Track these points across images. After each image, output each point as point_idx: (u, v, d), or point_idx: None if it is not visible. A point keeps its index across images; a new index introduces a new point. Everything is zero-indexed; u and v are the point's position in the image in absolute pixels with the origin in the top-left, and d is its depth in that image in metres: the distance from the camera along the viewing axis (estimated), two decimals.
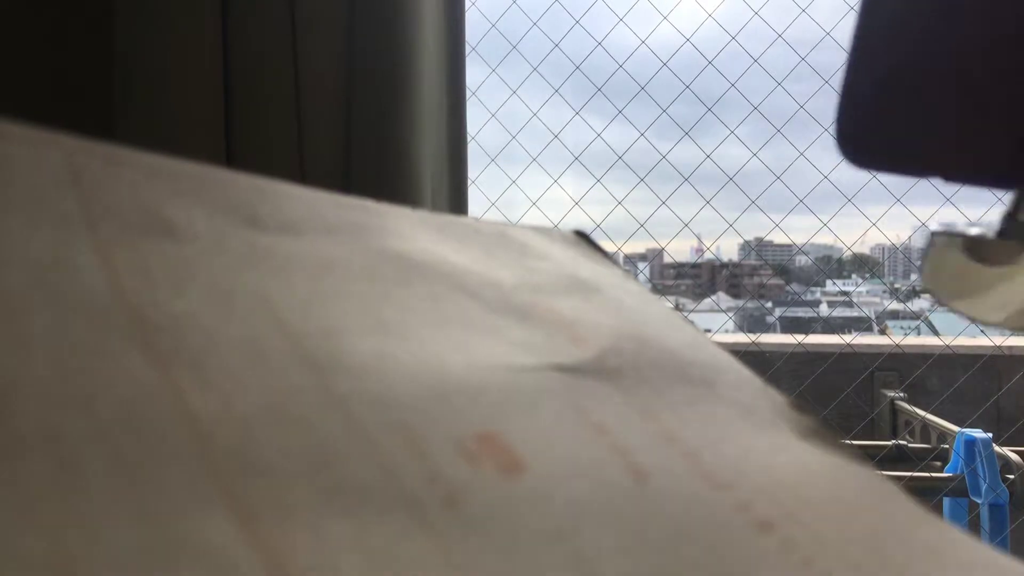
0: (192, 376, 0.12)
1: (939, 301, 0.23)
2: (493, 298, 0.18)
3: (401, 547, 0.10)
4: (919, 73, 0.23)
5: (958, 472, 1.86)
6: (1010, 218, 0.22)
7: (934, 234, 0.23)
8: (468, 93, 0.70)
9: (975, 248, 0.22)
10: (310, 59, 0.53)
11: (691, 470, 0.13)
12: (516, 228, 0.24)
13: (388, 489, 0.11)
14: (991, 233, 0.22)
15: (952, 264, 0.23)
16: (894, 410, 2.27)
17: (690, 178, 2.05)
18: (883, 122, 0.24)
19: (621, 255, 2.27)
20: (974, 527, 1.80)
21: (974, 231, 0.23)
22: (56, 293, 0.12)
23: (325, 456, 0.11)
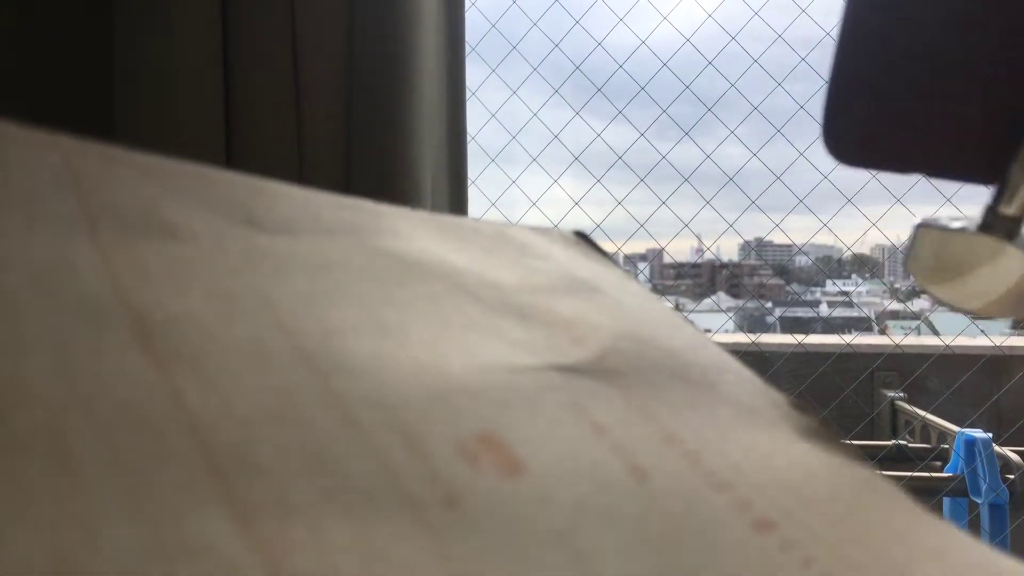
0: (192, 376, 0.12)
1: (919, 286, 0.25)
2: (493, 298, 0.18)
3: (400, 547, 0.10)
4: (903, 72, 0.24)
5: (958, 472, 1.85)
6: (991, 211, 0.23)
7: (919, 226, 0.25)
8: (468, 93, 0.70)
9: (957, 240, 0.23)
10: (310, 59, 0.53)
11: (691, 470, 0.13)
12: (516, 228, 0.24)
13: (388, 489, 0.11)
14: (973, 227, 0.23)
15: (933, 253, 0.24)
16: (894, 410, 2.27)
17: (690, 178, 2.05)
18: (868, 119, 0.25)
19: (621, 255, 2.27)
20: (974, 527, 1.79)
21: (957, 224, 0.24)
22: (56, 293, 0.12)
23: (324, 456, 0.11)
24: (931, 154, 0.25)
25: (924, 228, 0.24)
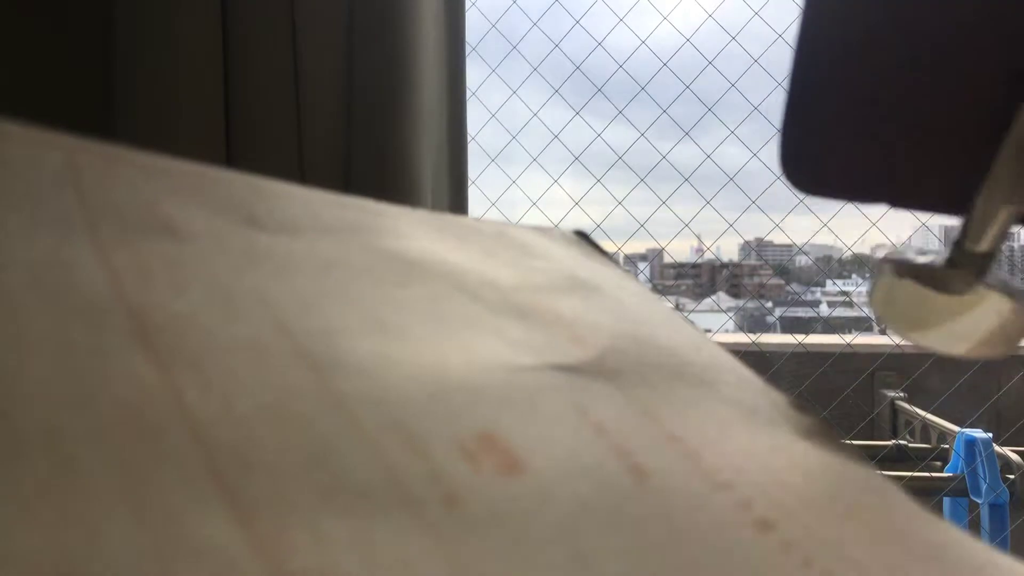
0: (192, 376, 0.12)
1: (894, 332, 0.23)
2: (493, 298, 0.18)
3: (400, 547, 0.10)
4: (864, 99, 0.23)
5: (958, 472, 1.86)
6: (958, 247, 0.21)
7: (883, 262, 0.23)
8: (468, 93, 0.70)
9: (925, 277, 0.22)
10: (310, 59, 0.53)
11: (691, 470, 0.13)
12: (516, 228, 0.24)
13: (388, 489, 0.11)
14: (941, 262, 0.22)
15: (904, 295, 0.23)
16: (894, 410, 2.27)
17: (690, 178, 2.05)
18: (827, 147, 0.24)
19: (621, 255, 2.27)
20: (974, 527, 1.80)
21: (923, 260, 0.23)
22: (56, 293, 0.12)
23: (325, 456, 0.11)
24: (895, 184, 0.23)
25: (888, 265, 0.23)
